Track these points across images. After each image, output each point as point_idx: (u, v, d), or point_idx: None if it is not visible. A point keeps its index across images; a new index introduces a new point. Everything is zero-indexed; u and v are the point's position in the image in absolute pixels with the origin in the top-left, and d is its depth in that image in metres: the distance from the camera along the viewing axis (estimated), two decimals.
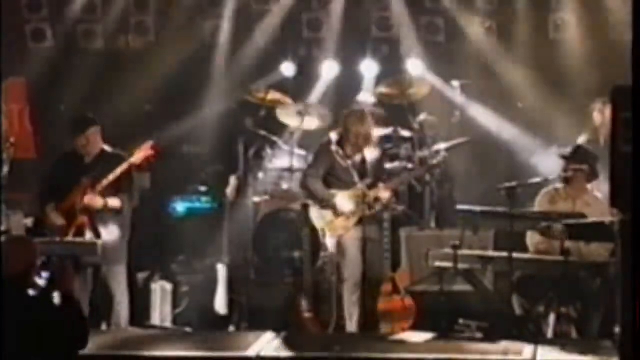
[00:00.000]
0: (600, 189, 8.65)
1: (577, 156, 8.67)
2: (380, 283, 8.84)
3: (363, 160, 8.91)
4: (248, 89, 10.68)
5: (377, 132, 10.30)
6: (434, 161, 9.68)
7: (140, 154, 8.75)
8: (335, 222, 8.81)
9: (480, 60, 10.77)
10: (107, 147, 8.92)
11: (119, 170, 8.64)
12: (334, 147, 8.86)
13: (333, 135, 8.94)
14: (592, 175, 8.64)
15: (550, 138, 10.15)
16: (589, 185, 8.67)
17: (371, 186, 8.85)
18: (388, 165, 10.18)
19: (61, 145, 9.46)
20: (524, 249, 8.57)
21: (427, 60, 10.79)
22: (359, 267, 8.77)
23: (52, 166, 9.07)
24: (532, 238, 8.59)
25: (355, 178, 8.82)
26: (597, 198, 8.62)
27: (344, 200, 8.78)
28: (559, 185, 8.71)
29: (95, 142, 8.85)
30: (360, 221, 8.78)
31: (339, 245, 8.82)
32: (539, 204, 8.73)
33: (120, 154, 8.85)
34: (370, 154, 8.96)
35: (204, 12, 11.21)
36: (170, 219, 10.52)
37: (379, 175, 8.96)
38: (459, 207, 8.97)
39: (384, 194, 8.80)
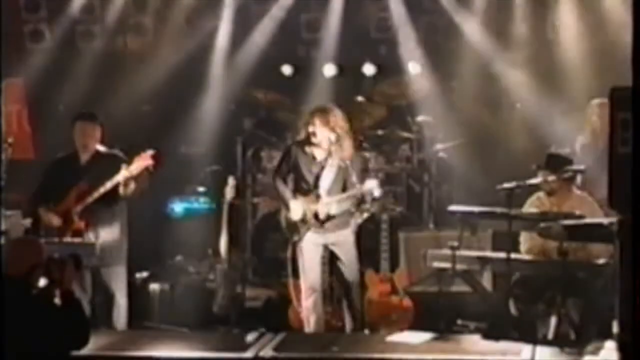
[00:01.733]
0: (594, 191, 8.69)
1: (550, 165, 8.62)
2: (351, 286, 8.58)
3: (321, 172, 8.39)
4: (247, 90, 10.68)
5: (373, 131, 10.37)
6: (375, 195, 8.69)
7: (139, 163, 8.63)
8: (290, 226, 8.53)
9: (479, 60, 10.77)
10: (102, 148, 8.88)
11: (116, 179, 8.54)
12: (307, 149, 8.42)
13: (299, 138, 8.59)
14: (570, 179, 8.63)
15: (549, 139, 10.15)
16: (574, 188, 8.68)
17: (320, 197, 8.37)
18: (387, 167, 10.21)
19: (60, 145, 9.45)
20: None
21: (426, 61, 10.80)
22: (317, 273, 8.48)
23: (47, 169, 9.03)
24: (525, 244, 8.56)
25: (311, 188, 8.40)
26: (582, 198, 8.63)
27: (295, 207, 8.39)
28: (541, 193, 8.68)
29: (94, 139, 8.82)
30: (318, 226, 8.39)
31: (296, 249, 8.51)
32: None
33: (117, 154, 8.83)
34: (333, 166, 8.36)
35: (202, 13, 11.20)
36: (169, 220, 10.52)
37: (331, 191, 8.34)
38: (453, 208, 8.96)
39: (332, 208, 8.29)
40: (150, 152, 8.67)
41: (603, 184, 8.72)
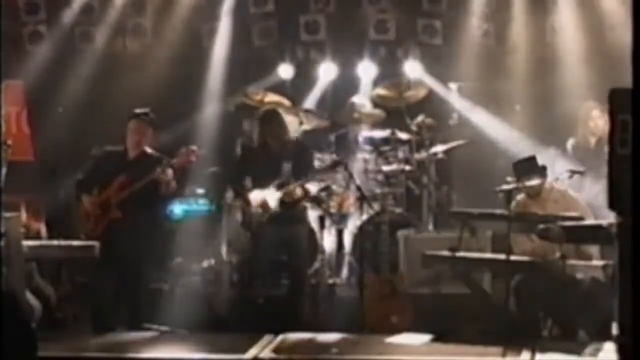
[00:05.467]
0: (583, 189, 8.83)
1: (523, 171, 8.64)
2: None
3: (281, 160, 8.84)
4: (246, 92, 10.69)
5: (372, 133, 10.38)
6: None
7: (181, 159, 8.81)
8: (252, 219, 8.87)
9: (478, 63, 10.77)
10: (149, 150, 9.02)
11: (157, 172, 8.71)
12: (250, 150, 9.01)
13: (255, 137, 9.03)
14: (545, 175, 8.65)
15: (548, 140, 10.16)
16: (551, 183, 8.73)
17: (284, 184, 8.81)
18: (386, 168, 10.21)
19: (61, 147, 9.51)
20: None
21: (425, 63, 10.82)
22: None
23: (96, 158, 9.16)
24: (520, 245, 8.55)
25: (274, 177, 8.80)
26: (563, 193, 8.70)
27: (256, 197, 8.80)
28: (523, 195, 8.72)
29: (145, 138, 8.96)
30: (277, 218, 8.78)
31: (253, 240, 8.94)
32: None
33: (163, 157, 8.94)
34: (294, 153, 8.92)
35: (201, 14, 11.20)
36: (168, 222, 10.51)
37: (295, 174, 8.81)
38: (454, 209, 8.98)
39: (297, 191, 8.80)
40: (192, 147, 8.80)
41: (593, 183, 8.84)
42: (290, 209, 8.86)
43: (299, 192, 8.84)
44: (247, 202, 8.89)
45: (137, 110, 9.06)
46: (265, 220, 8.82)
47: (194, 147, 8.96)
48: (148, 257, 8.90)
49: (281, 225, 8.84)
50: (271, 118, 9.03)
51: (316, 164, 9.52)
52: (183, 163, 8.88)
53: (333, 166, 9.43)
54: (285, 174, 8.81)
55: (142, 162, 8.88)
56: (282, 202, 8.78)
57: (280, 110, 10.45)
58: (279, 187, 8.78)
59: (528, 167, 8.59)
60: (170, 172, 8.81)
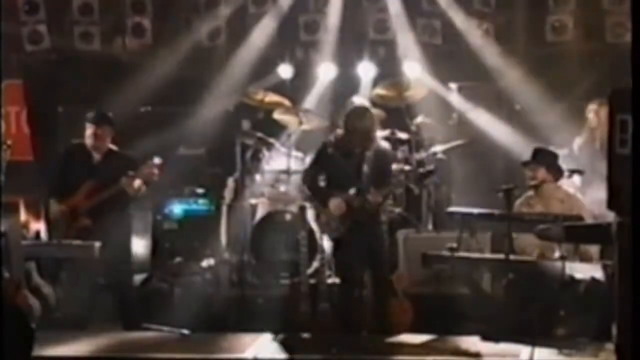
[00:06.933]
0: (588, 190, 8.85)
1: (535, 158, 8.70)
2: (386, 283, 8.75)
3: (361, 163, 8.66)
4: (245, 92, 10.68)
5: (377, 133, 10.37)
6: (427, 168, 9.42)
7: (147, 171, 8.78)
8: (331, 224, 8.73)
9: (478, 62, 10.77)
10: (114, 148, 9.00)
11: (123, 184, 8.70)
12: (330, 150, 8.71)
13: (332, 138, 8.83)
14: (557, 173, 8.73)
15: (548, 140, 10.16)
16: (560, 183, 8.74)
17: (364, 191, 8.58)
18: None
19: (61, 146, 9.49)
20: None
21: (425, 63, 10.81)
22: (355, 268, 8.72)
23: (61, 160, 9.11)
24: (524, 245, 8.55)
25: (353, 181, 8.62)
26: (569, 193, 8.72)
27: (336, 203, 8.60)
28: (530, 192, 8.75)
29: (105, 141, 8.92)
30: (356, 224, 8.62)
31: (337, 245, 8.76)
32: None
33: (130, 155, 8.92)
34: (371, 156, 8.69)
35: (201, 15, 11.21)
36: (168, 222, 10.51)
37: (376, 180, 8.60)
38: (451, 209, 8.97)
39: (375, 198, 8.55)
40: (157, 160, 8.75)
41: (598, 184, 8.85)
42: (370, 216, 8.64)
43: (379, 198, 8.59)
44: (324, 205, 8.64)
45: (92, 114, 9.00)
46: (345, 228, 8.61)
47: (157, 161, 8.84)
48: (124, 258, 8.90)
49: (361, 232, 8.62)
50: (361, 115, 8.67)
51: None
52: (146, 176, 8.81)
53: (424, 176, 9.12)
54: (365, 179, 8.58)
55: (109, 164, 8.87)
56: (362, 209, 8.56)
57: (280, 111, 10.51)
58: (358, 192, 8.57)
59: (536, 154, 8.69)
60: (138, 181, 8.75)
